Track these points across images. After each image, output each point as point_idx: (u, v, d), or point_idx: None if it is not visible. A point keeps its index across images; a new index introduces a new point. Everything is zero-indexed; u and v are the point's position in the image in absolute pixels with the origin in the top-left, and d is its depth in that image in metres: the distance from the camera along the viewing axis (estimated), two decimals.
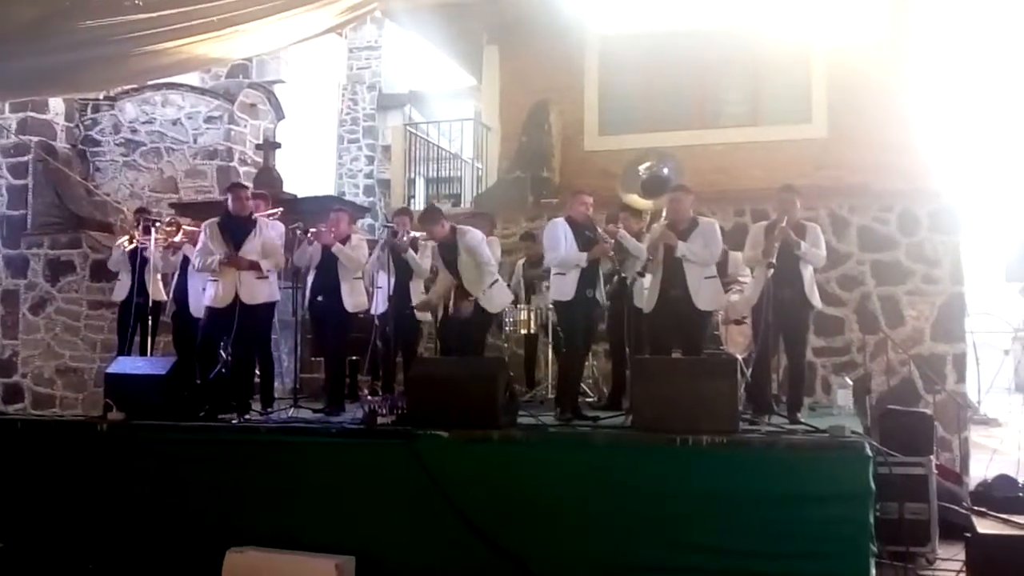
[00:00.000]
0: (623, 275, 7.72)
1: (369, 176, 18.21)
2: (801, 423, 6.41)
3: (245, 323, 7.37)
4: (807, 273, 6.86)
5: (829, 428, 5.73)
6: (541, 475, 5.91)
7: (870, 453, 5.40)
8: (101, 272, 11.06)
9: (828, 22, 10.14)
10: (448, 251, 7.49)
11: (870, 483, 5.38)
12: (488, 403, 6.14)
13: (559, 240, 6.95)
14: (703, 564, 5.49)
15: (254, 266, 7.40)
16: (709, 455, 5.62)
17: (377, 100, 18.40)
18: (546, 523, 5.82)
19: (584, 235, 6.99)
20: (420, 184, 13.56)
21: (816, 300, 6.93)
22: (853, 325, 9.51)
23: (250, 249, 7.45)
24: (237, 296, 7.35)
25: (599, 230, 7.05)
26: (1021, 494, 7.63)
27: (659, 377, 5.96)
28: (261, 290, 7.49)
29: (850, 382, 7.99)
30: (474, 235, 7.47)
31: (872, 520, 5.41)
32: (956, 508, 7.35)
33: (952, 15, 10.00)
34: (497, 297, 7.66)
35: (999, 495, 7.68)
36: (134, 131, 13.07)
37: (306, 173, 14.61)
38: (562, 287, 6.96)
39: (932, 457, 6.88)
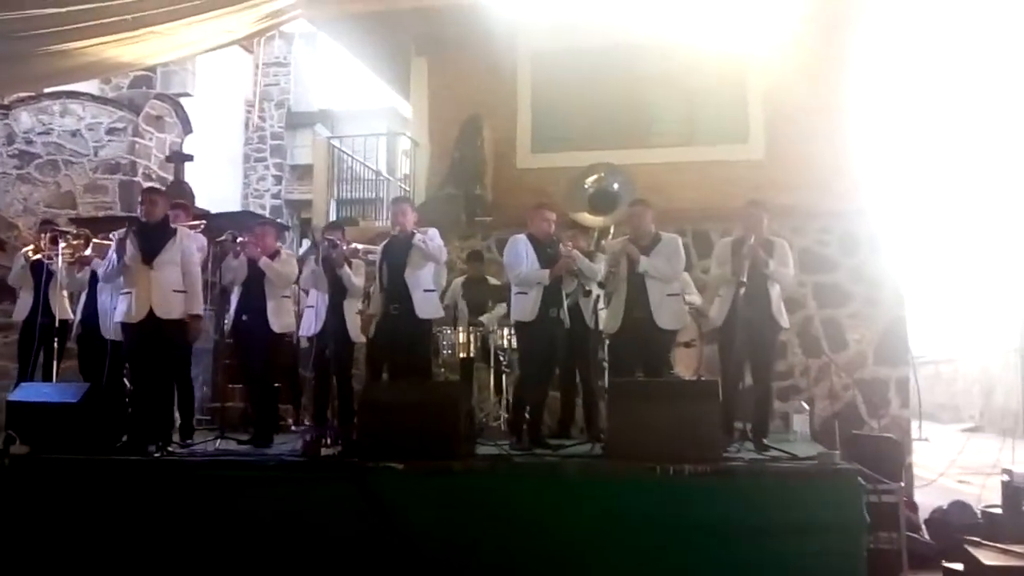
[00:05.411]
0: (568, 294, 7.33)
1: (277, 196, 17.48)
2: (773, 449, 6.11)
3: (161, 342, 6.73)
4: (774, 292, 6.60)
5: (818, 455, 5.41)
6: (507, 509, 5.43)
7: (863, 482, 5.09)
8: None
9: (763, 41, 9.99)
10: (399, 250, 6.97)
11: (864, 514, 5.07)
12: (447, 431, 5.65)
13: (520, 257, 6.60)
14: None
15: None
16: (692, 485, 5.22)
17: (286, 118, 17.72)
18: (514, 561, 5.33)
19: (546, 252, 6.64)
20: (332, 206, 12.94)
21: (784, 320, 6.69)
22: (796, 349, 9.30)
23: (167, 259, 6.81)
24: (151, 311, 6.70)
25: (561, 247, 6.63)
26: (980, 520, 7.47)
27: (636, 401, 5.55)
28: (178, 304, 6.83)
29: (807, 407, 7.75)
30: (436, 232, 7.04)
31: (865, 553, 5.10)
32: (917, 537, 7.16)
33: (888, 32, 9.95)
34: (432, 305, 7.16)
35: (957, 522, 7.51)
36: (29, 142, 12.07)
37: (212, 191, 13.83)
38: (523, 306, 6.56)
39: (901, 483, 6.64)
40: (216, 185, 14.84)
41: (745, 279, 6.32)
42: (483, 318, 8.33)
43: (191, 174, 12.26)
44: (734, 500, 5.18)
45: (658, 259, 6.58)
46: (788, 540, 5.05)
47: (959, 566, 5.66)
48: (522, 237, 6.73)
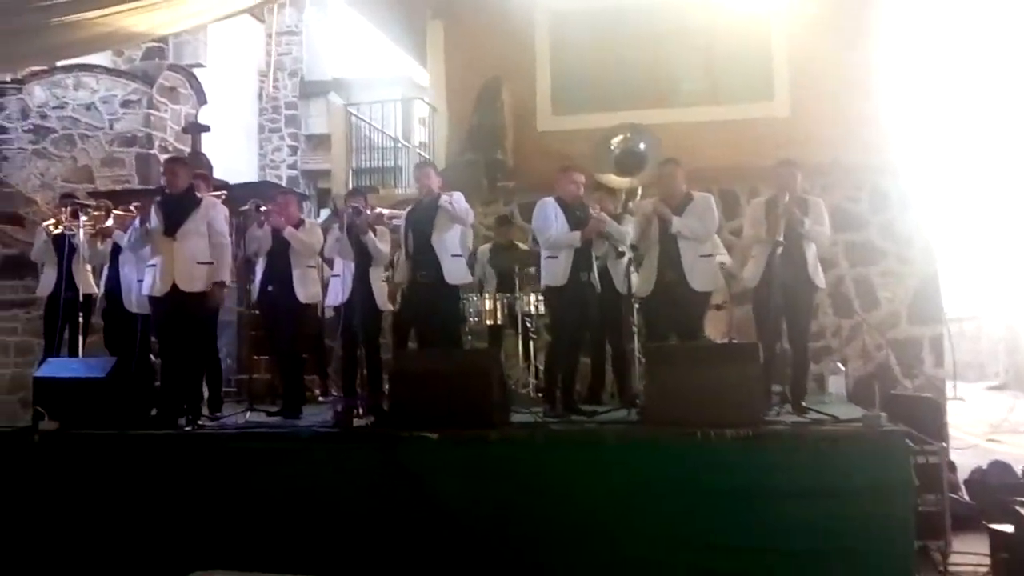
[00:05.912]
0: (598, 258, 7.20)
1: (293, 167, 17.30)
2: (812, 411, 6.00)
3: (186, 315, 6.61)
4: (811, 252, 6.43)
5: (863, 417, 5.29)
6: (545, 478, 5.33)
7: (911, 443, 4.98)
8: (14, 269, 10.00)
9: None
10: (424, 215, 6.83)
11: (912, 475, 4.95)
12: (481, 400, 5.55)
13: (549, 220, 6.44)
14: (734, 568, 5.00)
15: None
16: (734, 450, 5.11)
17: (299, 88, 17.50)
18: (553, 531, 5.25)
19: (575, 215, 6.48)
20: (349, 175, 12.79)
21: (820, 280, 6.52)
22: (827, 309, 9.15)
23: (191, 229, 6.66)
24: (175, 285, 6.57)
25: (590, 209, 6.49)
26: (1021, 480, 7.36)
27: (675, 365, 5.44)
28: (202, 276, 6.67)
29: (842, 368, 7.61)
30: (461, 195, 6.90)
31: (914, 516, 4.99)
32: (957, 498, 7.04)
33: None
34: (461, 270, 7.03)
35: (997, 482, 7.39)
36: (44, 116, 12.00)
37: (228, 163, 13.70)
38: (554, 271, 6.41)
39: (944, 444, 6.53)
40: (231, 156, 14.70)
41: (782, 239, 6.16)
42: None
43: (206, 146, 12.13)
44: (776, 464, 5.06)
45: (690, 219, 6.42)
46: (833, 503, 4.94)
47: (1007, 527, 5.51)
48: (550, 200, 6.57)
